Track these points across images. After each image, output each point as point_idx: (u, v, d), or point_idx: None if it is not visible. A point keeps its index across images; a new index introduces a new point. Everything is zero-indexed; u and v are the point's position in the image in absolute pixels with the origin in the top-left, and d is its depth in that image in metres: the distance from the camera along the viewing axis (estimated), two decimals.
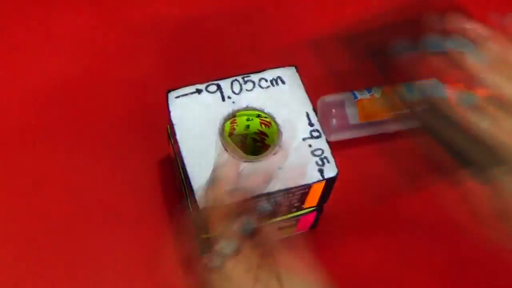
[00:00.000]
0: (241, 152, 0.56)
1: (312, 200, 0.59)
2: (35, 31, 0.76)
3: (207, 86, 0.59)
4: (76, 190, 0.67)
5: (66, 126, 0.71)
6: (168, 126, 0.60)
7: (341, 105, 0.69)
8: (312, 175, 0.56)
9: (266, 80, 0.59)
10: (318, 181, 0.56)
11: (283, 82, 0.59)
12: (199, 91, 0.59)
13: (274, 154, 0.57)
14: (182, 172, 0.58)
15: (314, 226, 0.65)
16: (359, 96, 0.69)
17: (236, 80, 0.59)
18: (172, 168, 0.66)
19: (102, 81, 0.73)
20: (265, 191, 0.55)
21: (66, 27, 0.76)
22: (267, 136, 0.60)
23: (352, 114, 0.69)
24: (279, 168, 0.56)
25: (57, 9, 0.77)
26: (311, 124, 0.58)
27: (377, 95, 0.69)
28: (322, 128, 0.58)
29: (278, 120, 0.58)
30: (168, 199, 0.66)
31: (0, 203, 0.66)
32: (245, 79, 0.59)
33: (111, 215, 0.66)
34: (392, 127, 0.70)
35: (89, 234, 0.65)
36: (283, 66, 0.60)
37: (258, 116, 0.59)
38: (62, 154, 0.69)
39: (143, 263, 0.64)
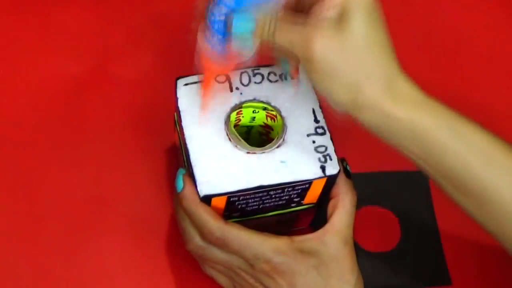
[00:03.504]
0: (245, 143, 0.57)
1: (312, 196, 0.59)
2: (35, 31, 0.75)
3: (216, 76, 0.59)
4: (79, 188, 0.67)
5: (66, 125, 0.71)
6: (175, 113, 0.60)
7: None
8: (314, 171, 0.56)
9: (275, 74, 0.60)
10: (320, 177, 0.56)
11: (291, 77, 0.60)
12: None
13: (278, 147, 0.57)
14: (185, 160, 0.59)
15: (313, 223, 0.65)
16: None
17: (245, 71, 0.60)
18: (177, 158, 0.66)
19: (103, 79, 0.73)
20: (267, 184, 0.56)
21: (66, 26, 0.76)
22: (272, 129, 0.61)
23: None
24: (282, 161, 0.56)
25: (57, 8, 0.77)
26: (316, 121, 0.58)
27: None
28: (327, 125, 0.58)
29: (284, 114, 0.58)
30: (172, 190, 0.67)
31: (0, 202, 0.66)
32: (255, 71, 0.60)
33: (115, 211, 0.67)
34: None
35: (93, 230, 0.66)
36: None
37: (265, 109, 0.59)
38: (63, 153, 0.69)
39: (148, 253, 0.65)
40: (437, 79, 0.77)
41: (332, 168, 0.57)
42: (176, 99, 0.58)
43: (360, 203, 0.67)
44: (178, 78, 0.59)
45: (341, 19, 0.50)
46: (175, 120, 0.63)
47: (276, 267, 0.56)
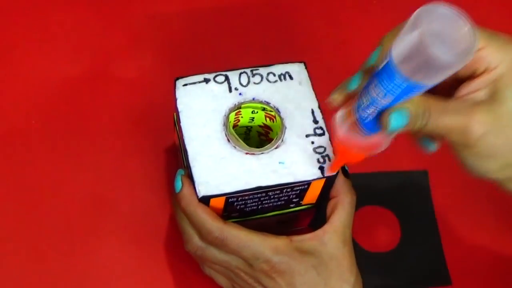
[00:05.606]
0: (244, 144, 0.57)
1: (311, 197, 0.59)
2: (35, 31, 0.75)
3: (215, 76, 0.59)
4: (78, 188, 0.68)
5: (66, 125, 0.71)
6: (174, 113, 0.60)
7: None
8: (312, 172, 0.56)
9: (274, 75, 0.60)
10: (318, 178, 0.56)
11: (291, 78, 0.60)
12: (206, 81, 0.59)
13: (276, 148, 0.57)
14: (184, 160, 0.59)
15: (313, 223, 0.65)
16: None
17: (244, 72, 0.59)
18: (176, 158, 0.67)
19: (103, 80, 0.73)
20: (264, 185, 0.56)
21: (66, 26, 0.76)
22: (271, 129, 0.61)
23: None
24: (280, 162, 0.56)
25: (57, 8, 0.77)
26: (315, 121, 0.58)
27: None
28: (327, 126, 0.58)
29: (283, 115, 0.58)
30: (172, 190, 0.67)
31: (0, 202, 0.67)
32: (254, 72, 0.60)
33: (114, 211, 0.67)
34: None
35: (92, 230, 0.66)
36: (292, 62, 0.61)
37: (264, 109, 0.59)
38: (63, 153, 0.69)
39: (148, 253, 0.66)
40: None
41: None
42: (175, 99, 0.58)
43: (360, 203, 0.67)
44: (177, 79, 0.59)
45: (493, 98, 0.49)
46: (174, 120, 0.63)
47: (275, 266, 0.56)
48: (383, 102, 0.47)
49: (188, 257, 0.60)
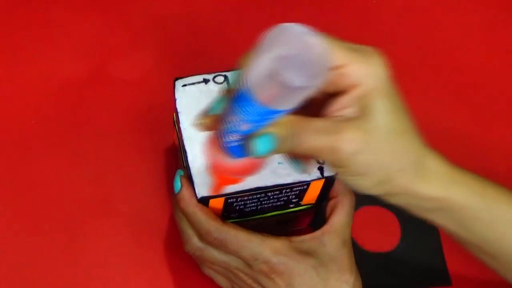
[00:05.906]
0: None
1: (311, 197, 0.59)
2: (35, 31, 0.75)
3: (214, 77, 0.59)
4: (79, 188, 0.68)
5: (66, 125, 0.71)
6: (174, 114, 0.60)
7: None
8: (311, 173, 0.56)
9: None
10: (317, 179, 0.56)
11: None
12: (206, 81, 0.59)
13: None
14: (183, 161, 0.59)
15: (312, 223, 0.65)
16: None
17: None
18: (176, 158, 0.67)
19: (103, 80, 0.73)
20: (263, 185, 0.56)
21: (66, 27, 0.76)
22: None
23: None
24: (279, 163, 0.56)
25: (57, 8, 0.77)
26: None
27: None
28: None
29: None
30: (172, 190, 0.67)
31: (0, 202, 0.67)
32: None
33: (115, 211, 0.67)
34: None
35: (93, 230, 0.66)
36: None
37: None
38: (63, 153, 0.69)
39: (148, 253, 0.66)
40: (435, 80, 0.77)
41: (330, 169, 0.57)
42: (174, 100, 0.59)
43: (360, 203, 0.67)
44: (176, 79, 0.59)
45: (362, 115, 0.47)
46: (174, 121, 0.63)
47: (274, 267, 0.56)
48: (244, 127, 0.45)
49: (188, 257, 0.60)
